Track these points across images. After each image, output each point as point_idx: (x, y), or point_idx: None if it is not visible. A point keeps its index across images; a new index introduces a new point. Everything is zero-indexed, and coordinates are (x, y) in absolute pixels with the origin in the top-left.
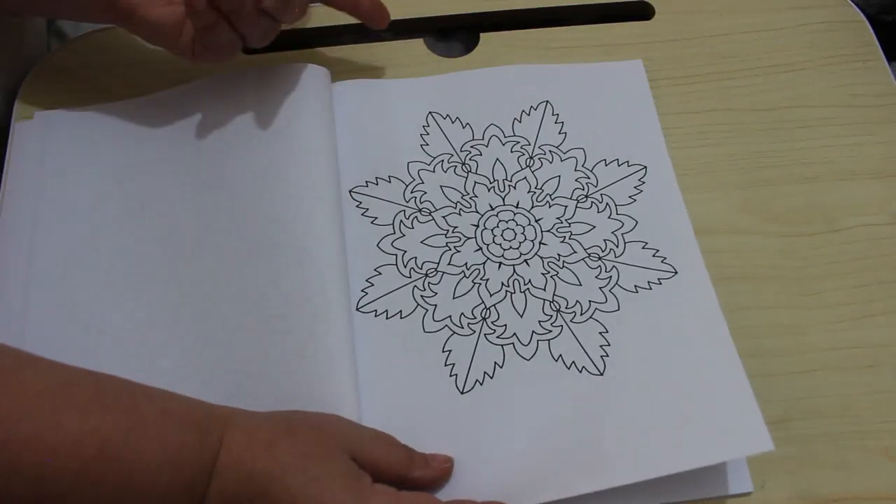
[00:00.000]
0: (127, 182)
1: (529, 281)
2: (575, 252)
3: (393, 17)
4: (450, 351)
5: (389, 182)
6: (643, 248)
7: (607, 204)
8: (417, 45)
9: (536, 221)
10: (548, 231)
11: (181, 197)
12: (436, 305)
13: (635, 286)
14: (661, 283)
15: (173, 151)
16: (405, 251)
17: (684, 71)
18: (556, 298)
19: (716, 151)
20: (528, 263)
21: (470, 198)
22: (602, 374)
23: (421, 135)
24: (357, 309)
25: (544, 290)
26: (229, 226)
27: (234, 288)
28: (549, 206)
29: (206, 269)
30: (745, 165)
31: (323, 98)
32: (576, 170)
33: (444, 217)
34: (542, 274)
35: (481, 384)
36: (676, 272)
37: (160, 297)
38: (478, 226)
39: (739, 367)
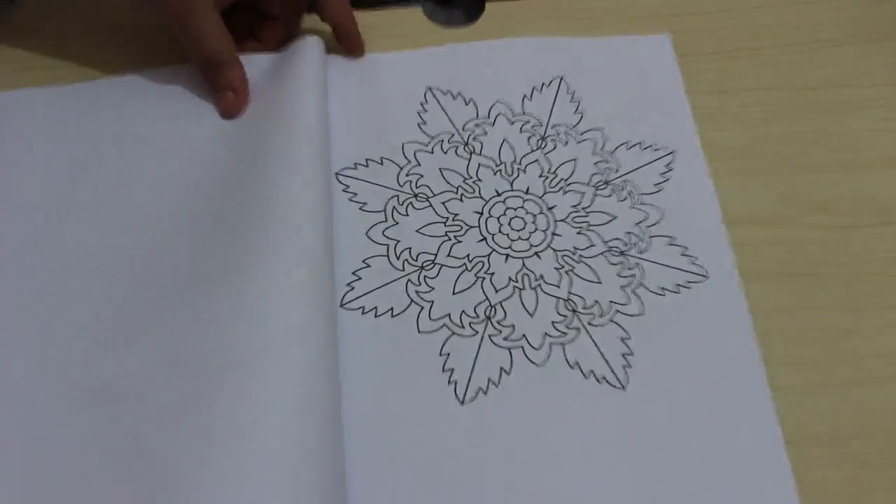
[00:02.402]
0: (96, 166)
1: (541, 276)
2: (593, 245)
3: None
4: (448, 354)
5: (381, 164)
6: (670, 243)
7: (630, 192)
8: (415, 13)
9: (549, 210)
10: (562, 221)
11: (159, 181)
12: (433, 302)
13: (661, 288)
14: (689, 287)
15: (152, 131)
16: (398, 241)
17: (717, 46)
18: (571, 297)
19: (751, 135)
20: (539, 256)
21: (473, 182)
22: (624, 389)
23: (418, 112)
24: (341, 306)
25: (558, 286)
26: (213, 211)
27: (213, 277)
28: (564, 193)
29: (187, 259)
30: (783, 151)
31: (315, 70)
32: (594, 153)
33: (443, 203)
34: (556, 269)
35: (485, 393)
36: (707, 276)
37: (134, 289)
38: (482, 213)
39: (771, 411)
